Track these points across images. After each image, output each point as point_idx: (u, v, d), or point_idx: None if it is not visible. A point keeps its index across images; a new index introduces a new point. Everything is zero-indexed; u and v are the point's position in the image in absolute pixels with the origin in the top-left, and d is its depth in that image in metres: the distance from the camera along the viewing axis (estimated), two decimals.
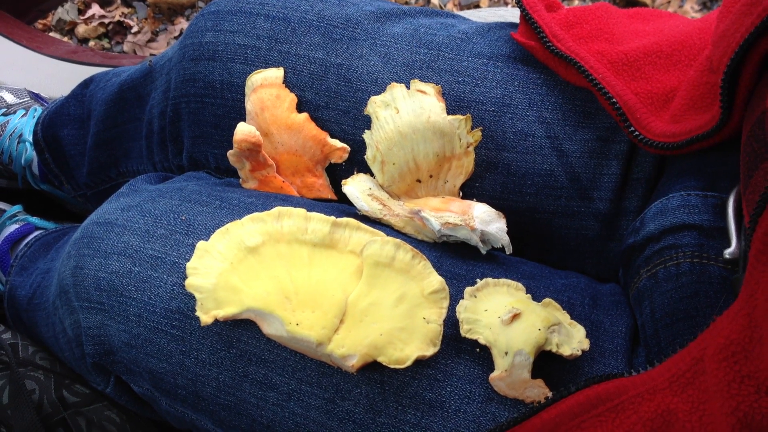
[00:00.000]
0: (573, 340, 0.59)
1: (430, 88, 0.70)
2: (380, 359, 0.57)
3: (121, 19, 2.04)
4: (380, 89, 0.73)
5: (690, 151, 0.63)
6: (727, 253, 0.58)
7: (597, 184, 0.71)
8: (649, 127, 0.66)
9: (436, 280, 0.60)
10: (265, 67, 0.76)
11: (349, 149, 0.75)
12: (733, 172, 0.61)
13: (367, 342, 0.57)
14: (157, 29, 2.04)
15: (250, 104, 0.75)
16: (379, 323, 0.58)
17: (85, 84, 1.04)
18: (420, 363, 0.59)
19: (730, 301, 0.56)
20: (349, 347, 0.57)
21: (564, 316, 0.62)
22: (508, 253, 0.68)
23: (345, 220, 0.62)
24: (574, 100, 0.72)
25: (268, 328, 0.59)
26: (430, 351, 0.58)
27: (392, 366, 0.57)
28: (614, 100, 0.67)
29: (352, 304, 0.59)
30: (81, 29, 2.04)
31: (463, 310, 0.60)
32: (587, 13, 0.74)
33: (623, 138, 0.70)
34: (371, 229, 0.62)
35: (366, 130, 0.71)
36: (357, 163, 0.75)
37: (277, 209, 0.62)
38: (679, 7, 1.93)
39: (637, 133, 0.66)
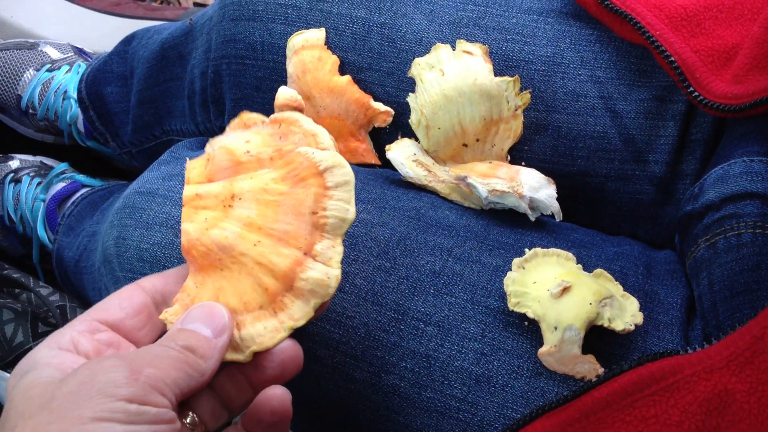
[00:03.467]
0: (626, 313, 0.57)
1: (476, 49, 0.67)
2: None
3: None
4: (425, 49, 0.70)
5: (753, 114, 0.60)
6: None
7: (652, 146, 0.68)
8: (709, 87, 0.62)
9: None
10: (306, 28, 0.74)
11: (393, 113, 0.73)
12: None
13: None
14: None
15: (291, 67, 0.73)
16: None
17: (128, 41, 1.03)
18: (466, 337, 0.58)
19: None
20: None
21: (616, 288, 0.60)
22: (557, 220, 0.66)
23: None
24: (629, 57, 0.69)
25: None
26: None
27: None
28: (672, 58, 0.64)
29: None
30: None
31: (510, 282, 0.58)
32: None
33: (681, 98, 0.67)
34: None
35: (410, 93, 0.69)
36: (401, 126, 0.73)
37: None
38: None
39: (696, 93, 0.63)
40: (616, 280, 0.60)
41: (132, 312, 0.49)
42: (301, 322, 0.48)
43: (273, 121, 0.54)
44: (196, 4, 1.96)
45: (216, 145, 0.55)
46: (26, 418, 0.38)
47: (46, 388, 0.39)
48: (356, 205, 0.63)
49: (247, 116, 0.57)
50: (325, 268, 0.48)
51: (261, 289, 0.49)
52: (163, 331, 0.50)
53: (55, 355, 0.44)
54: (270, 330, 0.48)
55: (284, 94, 0.68)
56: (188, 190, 0.51)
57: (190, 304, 0.49)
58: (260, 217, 0.49)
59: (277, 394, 0.47)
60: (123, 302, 0.49)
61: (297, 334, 0.50)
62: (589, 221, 0.73)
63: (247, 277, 0.49)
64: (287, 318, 0.48)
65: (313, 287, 0.48)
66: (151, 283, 0.51)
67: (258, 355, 0.49)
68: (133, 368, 0.40)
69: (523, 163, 0.70)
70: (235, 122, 0.57)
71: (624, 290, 0.60)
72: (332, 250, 0.49)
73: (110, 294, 0.50)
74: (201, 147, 0.81)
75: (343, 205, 0.49)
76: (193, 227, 0.50)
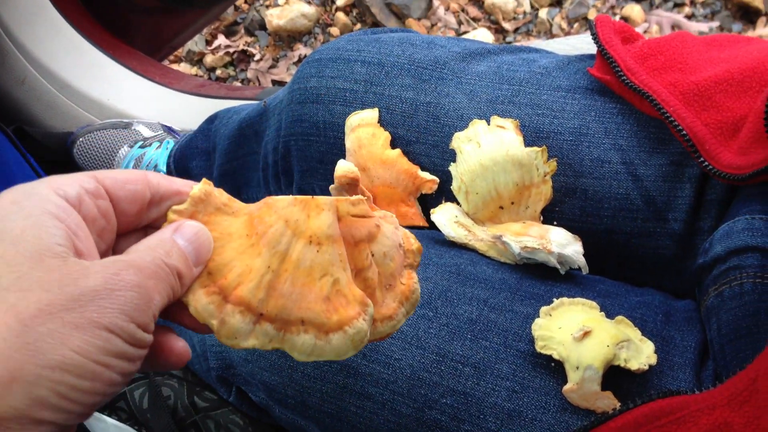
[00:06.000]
0: (642, 355, 0.64)
1: (509, 123, 0.76)
2: None
3: (245, 48, 2.18)
4: (465, 124, 0.79)
5: (755, 182, 0.67)
6: None
7: (671, 206, 0.75)
8: (717, 158, 0.69)
9: None
10: (362, 108, 0.85)
11: (438, 180, 0.82)
12: None
13: None
14: (278, 56, 2.17)
15: (349, 142, 0.83)
16: None
17: (210, 120, 1.16)
18: (500, 377, 0.65)
19: None
20: None
21: (635, 333, 0.66)
22: (584, 273, 0.73)
23: None
24: (649, 127, 0.76)
25: None
26: None
27: None
28: (684, 132, 0.71)
29: None
30: (209, 59, 2.20)
31: (538, 328, 0.66)
32: (663, 44, 0.78)
33: (696, 163, 0.74)
34: None
35: (452, 163, 0.78)
36: (445, 192, 0.82)
37: None
38: None
39: (706, 163, 0.70)
40: (636, 327, 0.67)
41: (131, 198, 0.45)
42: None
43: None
44: (275, 83, 2.11)
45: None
46: (44, 291, 0.37)
47: (67, 268, 0.39)
48: None
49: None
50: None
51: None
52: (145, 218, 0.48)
53: (63, 208, 0.41)
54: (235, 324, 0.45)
55: (342, 166, 0.78)
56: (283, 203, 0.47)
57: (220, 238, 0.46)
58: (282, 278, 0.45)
59: (183, 345, 0.46)
60: (129, 185, 0.45)
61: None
62: (619, 275, 0.80)
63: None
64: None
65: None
66: (158, 181, 0.47)
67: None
68: (148, 294, 0.40)
69: (555, 223, 0.78)
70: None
71: (642, 335, 0.66)
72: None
73: (122, 170, 0.47)
74: None
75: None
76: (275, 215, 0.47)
